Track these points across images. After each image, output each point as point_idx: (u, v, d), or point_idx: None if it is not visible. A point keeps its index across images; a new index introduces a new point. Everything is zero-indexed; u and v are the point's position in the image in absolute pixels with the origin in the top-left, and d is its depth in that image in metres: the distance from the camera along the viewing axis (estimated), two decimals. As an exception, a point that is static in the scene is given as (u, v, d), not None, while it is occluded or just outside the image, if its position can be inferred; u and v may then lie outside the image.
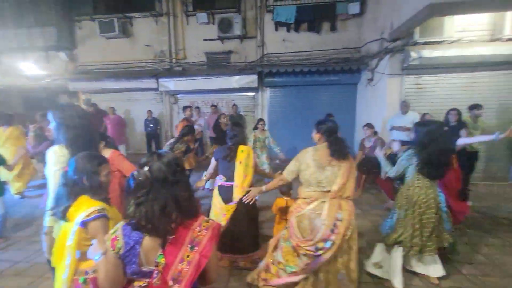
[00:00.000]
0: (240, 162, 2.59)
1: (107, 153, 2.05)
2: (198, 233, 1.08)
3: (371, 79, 6.19)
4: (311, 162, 2.03)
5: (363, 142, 4.73)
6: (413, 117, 4.84)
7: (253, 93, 7.62)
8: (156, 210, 1.01)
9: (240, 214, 2.56)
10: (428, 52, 4.99)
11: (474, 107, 4.62)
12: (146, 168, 1.05)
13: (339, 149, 2.03)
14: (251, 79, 6.97)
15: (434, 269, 2.48)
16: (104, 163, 1.48)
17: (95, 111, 6.69)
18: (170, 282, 1.03)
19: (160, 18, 7.51)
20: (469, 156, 4.43)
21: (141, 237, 1.04)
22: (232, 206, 2.56)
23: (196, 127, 4.65)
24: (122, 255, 1.04)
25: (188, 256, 1.05)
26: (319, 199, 2.03)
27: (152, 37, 7.64)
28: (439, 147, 2.32)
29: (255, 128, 5.19)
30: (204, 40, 7.41)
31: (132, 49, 7.71)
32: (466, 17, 4.85)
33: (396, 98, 5.46)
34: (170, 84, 7.25)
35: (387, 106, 5.54)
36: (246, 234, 2.62)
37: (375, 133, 4.67)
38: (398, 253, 2.43)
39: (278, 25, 7.05)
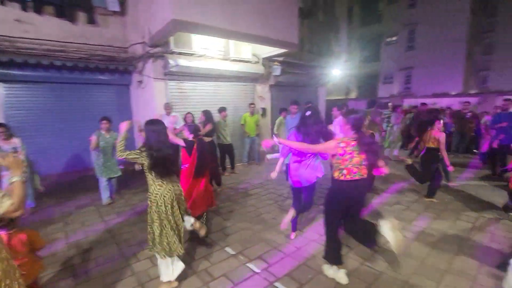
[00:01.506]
0: None
1: None
2: None
3: (140, 81, 6.27)
4: None
5: None
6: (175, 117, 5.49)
7: (-29, 89, 5.21)
8: None
9: None
10: (183, 62, 5.84)
11: (221, 109, 6.10)
12: None
13: None
14: (-42, 68, 4.69)
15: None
16: None
17: None
18: None
19: None
20: (227, 148, 6.15)
21: None
22: None
23: None
24: None
25: None
26: None
27: None
28: (159, 146, 2.38)
29: None
30: None
31: None
32: (208, 38, 6.14)
33: (163, 100, 5.93)
34: None
35: (156, 107, 5.88)
36: None
37: None
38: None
39: (4, -3, 5.23)
